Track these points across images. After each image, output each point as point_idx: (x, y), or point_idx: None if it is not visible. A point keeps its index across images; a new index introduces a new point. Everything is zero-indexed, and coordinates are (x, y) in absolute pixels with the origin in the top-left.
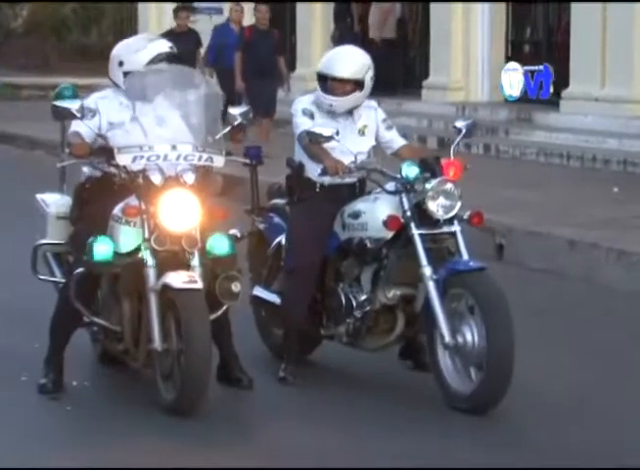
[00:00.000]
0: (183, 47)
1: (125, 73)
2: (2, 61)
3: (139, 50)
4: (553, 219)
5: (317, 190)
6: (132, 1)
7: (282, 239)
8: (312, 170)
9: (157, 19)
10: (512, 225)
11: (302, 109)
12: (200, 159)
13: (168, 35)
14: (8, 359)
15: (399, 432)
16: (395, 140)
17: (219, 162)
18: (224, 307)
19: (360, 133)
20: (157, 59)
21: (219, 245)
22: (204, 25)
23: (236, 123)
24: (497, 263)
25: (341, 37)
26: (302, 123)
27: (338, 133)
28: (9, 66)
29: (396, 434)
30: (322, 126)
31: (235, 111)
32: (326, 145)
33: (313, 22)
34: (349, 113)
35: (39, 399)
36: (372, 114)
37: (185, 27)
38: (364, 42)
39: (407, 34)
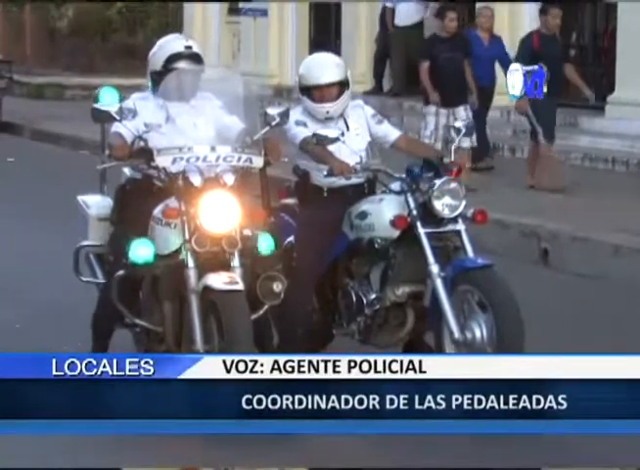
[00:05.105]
0: (450, 55)
1: (151, 73)
2: (47, 61)
3: (158, 50)
4: (598, 225)
5: (325, 195)
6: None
7: (293, 238)
8: (318, 176)
9: (201, 20)
10: (557, 230)
11: (295, 120)
12: (239, 160)
13: (432, 41)
14: None
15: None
16: (390, 133)
17: (258, 162)
18: (265, 307)
19: (355, 133)
20: (173, 59)
21: (260, 245)
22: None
23: (273, 124)
24: (542, 268)
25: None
26: (300, 132)
27: (343, 134)
28: (54, 66)
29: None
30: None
31: (273, 110)
32: (331, 147)
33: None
34: (340, 115)
35: None
36: (360, 112)
37: (453, 31)
38: None
39: None
